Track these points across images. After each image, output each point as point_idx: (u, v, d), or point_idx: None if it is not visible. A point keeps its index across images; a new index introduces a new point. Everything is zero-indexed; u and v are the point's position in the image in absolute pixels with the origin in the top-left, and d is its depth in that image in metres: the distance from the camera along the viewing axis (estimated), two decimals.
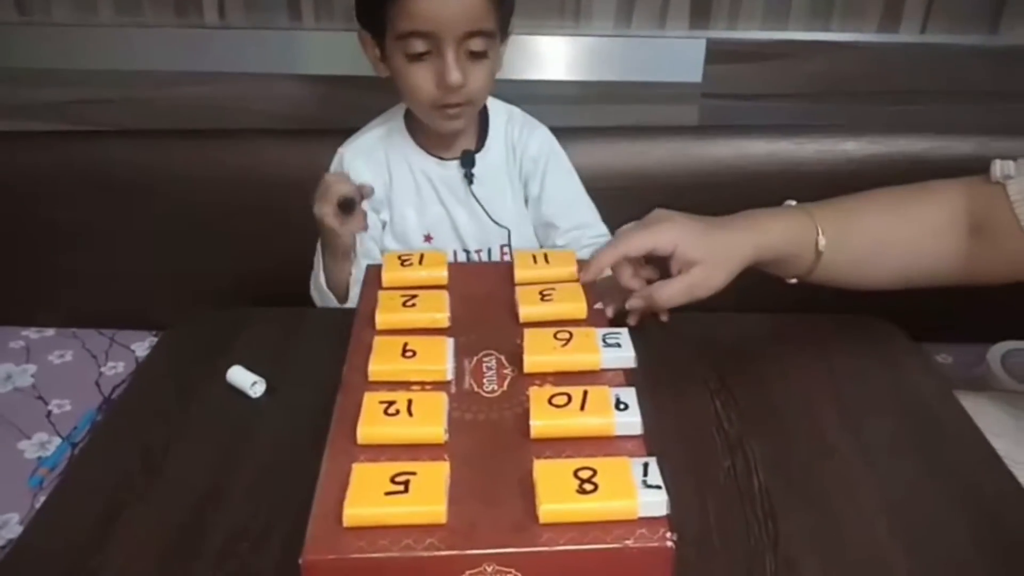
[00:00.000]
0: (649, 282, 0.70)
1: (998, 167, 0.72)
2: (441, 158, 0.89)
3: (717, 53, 1.14)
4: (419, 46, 0.78)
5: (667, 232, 0.69)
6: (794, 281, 0.75)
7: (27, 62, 1.17)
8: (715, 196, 1.16)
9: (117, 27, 1.16)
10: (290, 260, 1.19)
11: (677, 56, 1.15)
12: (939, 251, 0.74)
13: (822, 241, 0.72)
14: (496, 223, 0.89)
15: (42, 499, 0.97)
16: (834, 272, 0.74)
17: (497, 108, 0.92)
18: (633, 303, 0.70)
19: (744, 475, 0.58)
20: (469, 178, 0.87)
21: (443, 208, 0.90)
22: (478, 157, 0.88)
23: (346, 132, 1.19)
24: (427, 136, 0.89)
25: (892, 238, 0.74)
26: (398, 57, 0.80)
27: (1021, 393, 0.97)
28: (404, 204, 0.90)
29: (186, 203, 1.18)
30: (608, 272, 0.70)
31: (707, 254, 0.68)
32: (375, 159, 0.89)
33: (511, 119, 0.93)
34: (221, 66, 1.16)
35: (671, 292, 0.68)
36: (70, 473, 0.63)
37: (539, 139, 0.93)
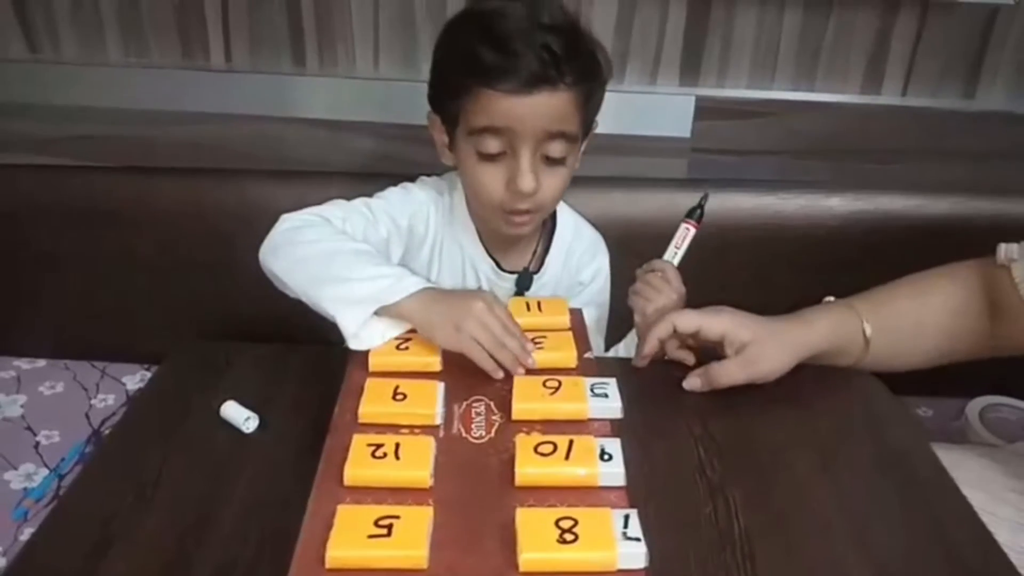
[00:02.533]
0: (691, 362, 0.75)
1: (1003, 251, 0.76)
2: (499, 266, 0.83)
3: (706, 110, 1.18)
4: (493, 145, 0.71)
5: (716, 317, 0.73)
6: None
7: (35, 98, 1.19)
8: (702, 246, 1.19)
9: (124, 67, 1.20)
10: (279, 296, 1.21)
11: (668, 111, 1.18)
12: (965, 330, 0.78)
13: (868, 329, 0.76)
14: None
15: (27, 531, 0.98)
16: (878, 359, 0.77)
17: (566, 221, 0.86)
18: (691, 383, 0.73)
19: (725, 519, 0.60)
20: (520, 296, 0.82)
21: None
22: (535, 277, 0.84)
23: (340, 175, 1.22)
24: (487, 229, 0.82)
25: (924, 321, 0.78)
26: (468, 152, 0.73)
27: (998, 447, 0.99)
28: (444, 278, 0.83)
29: (179, 239, 1.19)
30: (657, 346, 0.74)
31: (758, 335, 0.72)
32: (431, 219, 0.82)
33: (578, 235, 0.87)
34: (225, 108, 1.18)
35: (728, 369, 0.72)
36: (62, 503, 0.63)
37: (597, 265, 0.89)
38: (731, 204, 1.18)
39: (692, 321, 0.73)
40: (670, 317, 0.74)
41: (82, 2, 1.16)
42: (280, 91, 1.19)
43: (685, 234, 0.86)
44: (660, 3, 1.15)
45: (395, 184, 0.85)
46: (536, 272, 0.84)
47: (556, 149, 0.72)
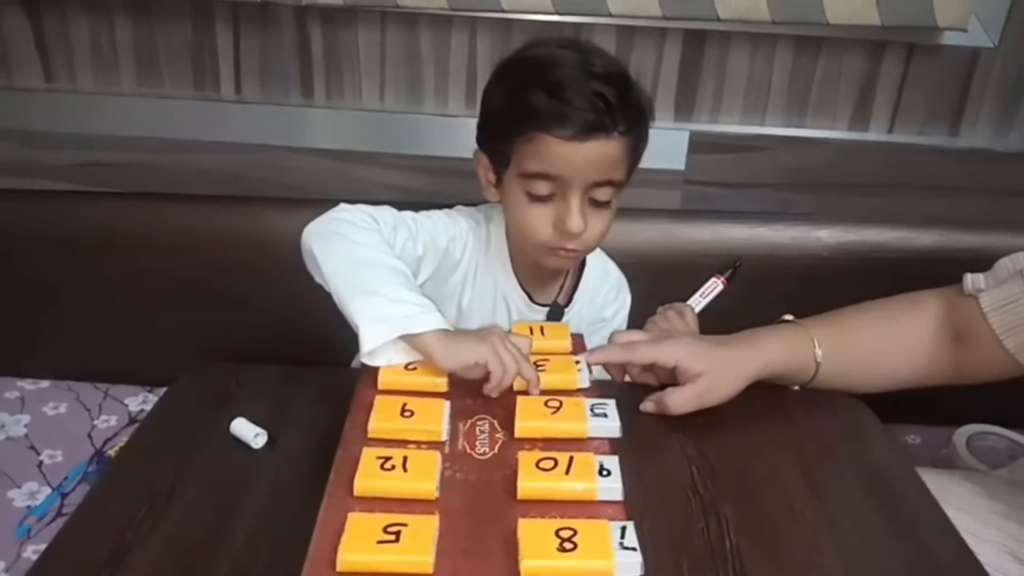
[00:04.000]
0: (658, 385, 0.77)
1: (969, 281, 0.78)
2: (531, 298, 0.85)
3: (700, 144, 1.21)
4: (543, 188, 0.73)
5: (670, 348, 0.75)
6: (796, 388, 0.81)
7: (49, 126, 1.21)
8: (695, 275, 1.22)
9: (137, 96, 1.22)
10: (282, 321, 1.23)
11: (663, 145, 1.19)
12: (928, 359, 0.79)
13: (819, 353, 0.78)
14: None
15: (29, 548, 0.99)
16: (833, 381, 0.79)
17: (594, 261, 0.88)
18: (645, 407, 0.75)
19: (717, 536, 0.62)
20: None
21: None
22: (565, 310, 0.86)
23: (345, 203, 1.24)
24: (522, 263, 0.84)
25: (884, 351, 0.80)
26: (517, 193, 0.75)
27: (983, 472, 1.01)
28: (473, 315, 0.85)
29: (186, 264, 1.21)
30: (605, 359, 0.76)
31: (711, 367, 0.74)
32: (468, 248, 0.84)
33: (605, 274, 0.89)
34: (234, 137, 1.21)
35: (680, 400, 0.74)
36: (74, 518, 0.64)
37: (620, 302, 0.92)
38: (724, 235, 1.22)
39: (647, 355, 0.76)
40: (627, 347, 0.76)
41: (99, 34, 1.19)
42: (288, 122, 1.21)
43: (713, 287, 0.91)
44: (656, 42, 1.19)
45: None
46: (566, 306, 0.87)
47: (603, 194, 0.74)
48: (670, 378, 0.76)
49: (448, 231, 0.82)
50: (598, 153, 0.71)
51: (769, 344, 0.78)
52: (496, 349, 0.65)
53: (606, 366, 0.77)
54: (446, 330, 0.67)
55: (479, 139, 0.79)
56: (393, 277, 0.70)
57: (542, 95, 0.70)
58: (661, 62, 1.20)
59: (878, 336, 0.80)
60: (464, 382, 0.67)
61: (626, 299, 0.93)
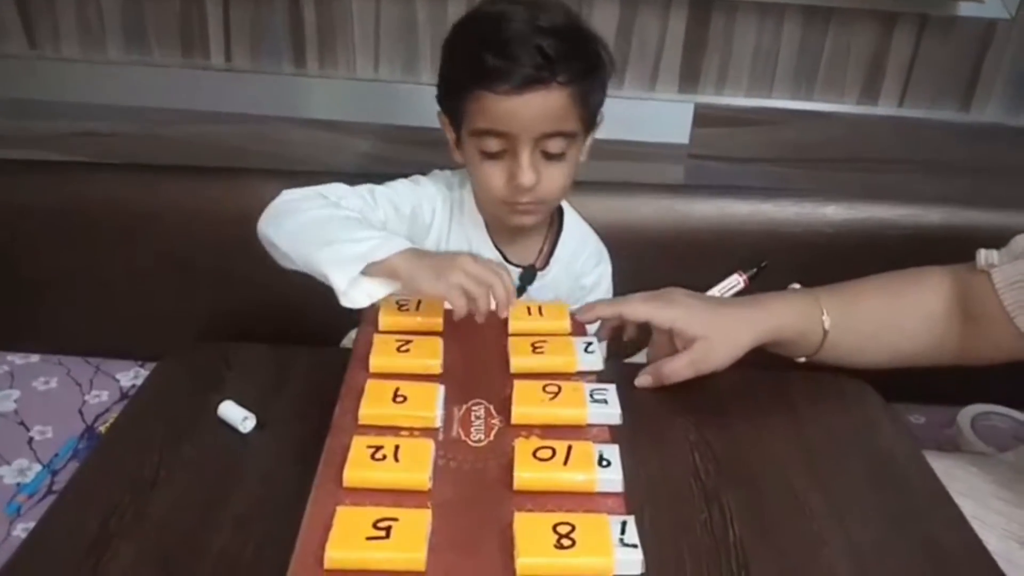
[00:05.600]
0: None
1: (983, 256, 0.76)
2: (506, 258, 0.85)
3: (704, 117, 1.18)
4: (493, 145, 0.74)
5: (666, 309, 0.72)
6: (802, 360, 0.78)
7: (34, 94, 1.19)
8: (698, 251, 1.21)
9: (125, 64, 1.19)
10: (274, 296, 1.21)
11: (666, 118, 1.19)
12: (934, 336, 0.77)
13: (827, 321, 0.75)
14: None
15: (19, 526, 0.98)
16: (839, 353, 0.77)
17: (572, 225, 0.89)
18: (641, 380, 0.73)
19: (720, 525, 0.60)
20: (522, 292, 0.85)
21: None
22: (539, 275, 0.86)
23: (338, 175, 1.21)
24: (495, 224, 0.85)
25: (892, 323, 0.78)
26: (472, 150, 0.77)
27: (988, 456, 1.00)
28: None
29: (177, 237, 1.20)
30: (598, 323, 0.74)
31: (708, 331, 0.71)
32: (441, 219, 0.84)
33: (583, 242, 0.89)
34: (224, 107, 1.18)
35: (675, 367, 0.72)
36: (61, 498, 0.63)
37: (600, 271, 0.91)
38: (727, 210, 1.20)
39: (641, 311, 0.73)
40: (621, 301, 0.74)
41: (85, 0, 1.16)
42: (280, 91, 1.19)
43: (734, 284, 0.89)
44: (660, 12, 1.15)
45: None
46: (541, 269, 0.86)
47: (555, 145, 0.75)
48: (670, 348, 0.73)
49: (410, 198, 0.83)
50: (540, 105, 0.72)
51: (777, 307, 0.75)
52: (461, 283, 0.64)
53: (601, 326, 0.76)
54: (415, 250, 0.67)
55: (438, 98, 0.81)
56: (347, 223, 0.70)
57: (487, 53, 0.71)
58: (665, 32, 1.17)
59: (886, 308, 0.78)
60: (458, 364, 0.65)
61: (606, 269, 0.92)
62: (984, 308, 0.74)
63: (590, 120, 0.78)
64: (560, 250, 0.87)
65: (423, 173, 0.89)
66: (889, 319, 0.78)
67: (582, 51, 0.74)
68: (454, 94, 0.76)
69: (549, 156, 0.75)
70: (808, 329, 0.75)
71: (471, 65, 0.73)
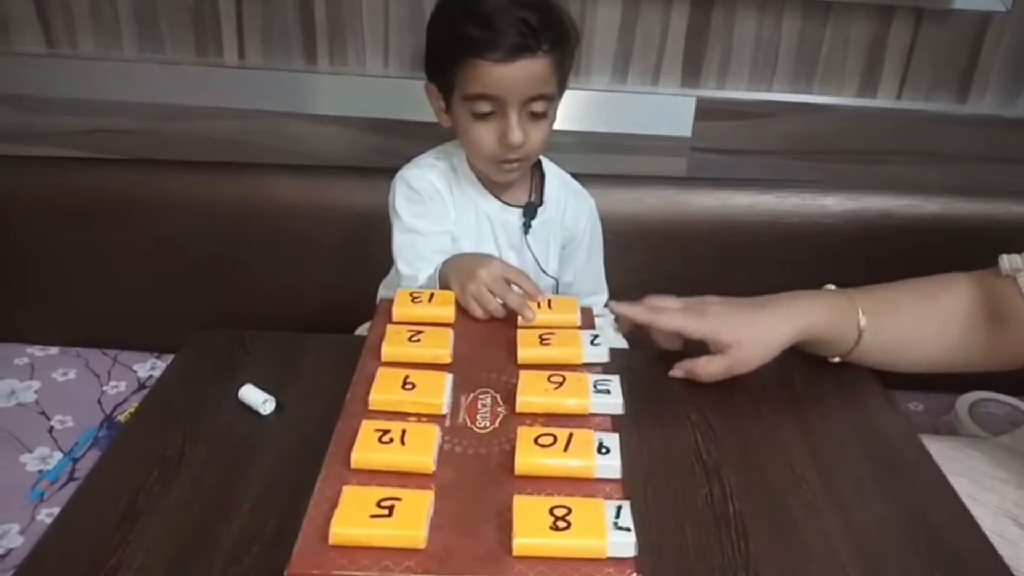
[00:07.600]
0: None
1: (1006, 262, 0.76)
2: (505, 202, 0.92)
3: (706, 110, 1.20)
4: (485, 107, 0.82)
5: (698, 322, 0.75)
6: (836, 360, 0.79)
7: (51, 91, 1.21)
8: (700, 242, 1.23)
9: (139, 62, 1.21)
10: (288, 287, 1.24)
11: (669, 111, 1.20)
12: (965, 340, 0.78)
13: (863, 321, 0.76)
14: (545, 272, 0.92)
15: (43, 511, 1.01)
16: (873, 354, 0.78)
17: (551, 170, 0.95)
18: (675, 373, 0.76)
19: (720, 501, 0.63)
20: (527, 227, 0.91)
21: (497, 249, 0.92)
22: (539, 209, 0.92)
23: (348, 169, 1.24)
24: (487, 180, 0.91)
25: (925, 326, 0.78)
26: (463, 114, 0.84)
27: (984, 438, 1.02)
28: (462, 236, 0.92)
29: (190, 230, 1.22)
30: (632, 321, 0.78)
31: (742, 338, 0.74)
32: (442, 185, 0.91)
33: (562, 184, 0.96)
34: (237, 103, 1.20)
35: (711, 370, 0.75)
36: (88, 481, 0.65)
37: (588, 211, 0.97)
38: (729, 202, 1.22)
39: (673, 323, 0.75)
40: (655, 311, 0.76)
41: None
42: (291, 88, 1.21)
43: None
44: (662, 7, 1.17)
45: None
46: (539, 205, 0.92)
47: (539, 106, 0.83)
48: (701, 345, 0.76)
49: (416, 185, 0.90)
50: (527, 71, 0.80)
51: (812, 306, 0.76)
52: (475, 293, 0.73)
53: (619, 318, 0.80)
54: (446, 260, 0.79)
55: (427, 71, 0.87)
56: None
57: (474, 25, 0.79)
58: (667, 27, 1.19)
59: (917, 313, 0.79)
60: (467, 354, 0.67)
61: (593, 206, 0.98)
62: (1012, 311, 0.75)
63: (563, 83, 0.86)
64: (548, 186, 0.94)
65: None
66: (922, 323, 0.78)
67: (557, 22, 0.82)
68: (445, 65, 0.83)
69: (533, 116, 0.83)
70: (843, 328, 0.76)
71: (461, 38, 0.80)
